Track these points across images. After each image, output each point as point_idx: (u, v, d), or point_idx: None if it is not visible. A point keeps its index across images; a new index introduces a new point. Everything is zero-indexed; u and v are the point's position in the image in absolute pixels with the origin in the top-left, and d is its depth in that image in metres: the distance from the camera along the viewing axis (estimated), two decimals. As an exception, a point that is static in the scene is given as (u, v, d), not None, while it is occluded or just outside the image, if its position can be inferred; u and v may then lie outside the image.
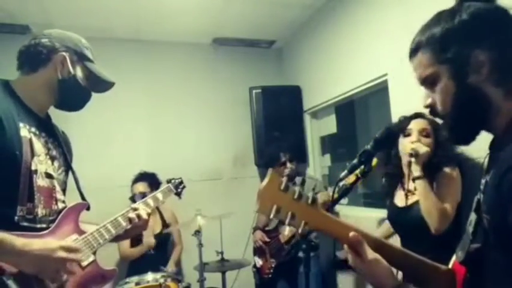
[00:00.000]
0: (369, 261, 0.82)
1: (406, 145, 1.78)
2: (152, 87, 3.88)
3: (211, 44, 4.10)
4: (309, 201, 0.82)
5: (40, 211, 1.26)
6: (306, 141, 3.89)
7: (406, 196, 1.85)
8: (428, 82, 0.84)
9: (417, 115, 1.89)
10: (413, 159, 1.72)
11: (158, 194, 1.76)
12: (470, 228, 0.83)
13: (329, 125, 3.66)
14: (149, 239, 3.07)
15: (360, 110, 3.43)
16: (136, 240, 3.15)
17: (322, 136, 3.84)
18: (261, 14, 3.48)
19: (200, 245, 2.70)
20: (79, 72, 1.38)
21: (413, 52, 0.87)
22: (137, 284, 2.43)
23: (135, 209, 1.55)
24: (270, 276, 3.00)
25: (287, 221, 0.81)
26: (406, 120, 1.89)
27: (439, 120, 1.78)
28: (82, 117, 3.26)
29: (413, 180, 1.75)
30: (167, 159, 3.71)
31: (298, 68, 3.96)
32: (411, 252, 0.86)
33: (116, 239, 1.53)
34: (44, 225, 1.27)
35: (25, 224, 1.20)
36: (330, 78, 3.32)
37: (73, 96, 1.41)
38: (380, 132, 1.60)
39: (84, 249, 1.30)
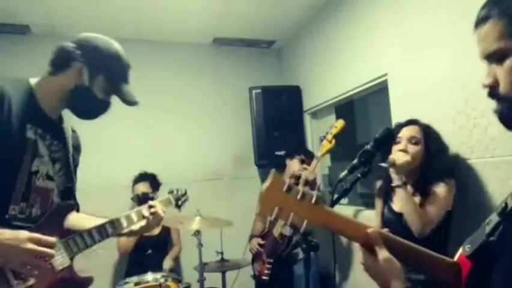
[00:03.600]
0: (383, 260, 0.79)
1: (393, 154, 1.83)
2: (153, 87, 3.87)
3: (211, 44, 4.11)
4: (313, 200, 0.80)
5: (35, 211, 1.27)
6: (306, 141, 3.89)
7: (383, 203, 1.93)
8: (495, 58, 0.73)
9: (410, 122, 1.91)
10: (391, 169, 1.76)
11: (157, 203, 1.70)
12: (487, 228, 0.82)
13: (329, 125, 3.64)
14: (169, 263, 3.06)
15: (360, 110, 3.43)
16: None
17: (322, 136, 3.84)
18: (261, 14, 3.48)
19: (200, 245, 2.70)
20: (97, 85, 1.35)
21: (480, 22, 0.75)
22: (137, 284, 2.43)
23: (151, 206, 1.57)
24: (268, 277, 2.97)
25: (289, 222, 0.80)
26: (399, 127, 1.92)
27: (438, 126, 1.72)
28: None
29: (393, 188, 1.80)
30: (168, 159, 3.72)
31: (298, 68, 3.96)
32: (415, 245, 0.85)
33: (129, 234, 1.55)
34: (35, 225, 1.26)
35: (17, 223, 1.20)
36: (330, 78, 3.33)
37: (84, 106, 1.39)
38: (380, 132, 1.60)
39: (62, 253, 1.26)
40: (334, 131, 2.35)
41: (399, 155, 1.77)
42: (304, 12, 3.49)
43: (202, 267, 2.70)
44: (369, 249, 0.82)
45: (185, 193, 2.04)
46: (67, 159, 1.43)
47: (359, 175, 1.54)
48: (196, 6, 3.24)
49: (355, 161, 1.55)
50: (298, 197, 0.80)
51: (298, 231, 0.84)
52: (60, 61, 1.33)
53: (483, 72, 0.80)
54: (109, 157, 3.54)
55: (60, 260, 1.26)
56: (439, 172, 1.77)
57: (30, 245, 1.10)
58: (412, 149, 1.80)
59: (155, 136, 3.79)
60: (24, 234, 1.12)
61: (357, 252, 0.86)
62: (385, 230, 0.87)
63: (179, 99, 3.95)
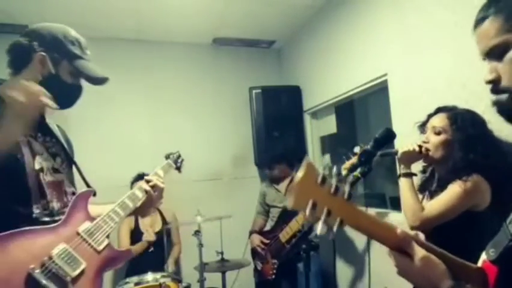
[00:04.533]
0: (421, 260, 0.74)
1: None
2: (153, 87, 3.88)
3: (211, 44, 4.11)
4: (346, 196, 0.75)
5: (55, 205, 1.32)
6: (306, 141, 3.89)
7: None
8: (495, 53, 0.75)
9: (439, 110, 1.76)
10: (396, 158, 1.73)
11: (159, 171, 1.76)
12: (510, 227, 0.76)
13: (329, 125, 3.66)
14: (149, 234, 3.08)
15: (360, 110, 3.43)
16: (136, 239, 3.16)
17: (322, 136, 3.84)
18: (261, 14, 3.48)
19: (200, 245, 2.70)
20: (63, 71, 1.34)
21: (479, 22, 0.77)
22: (137, 284, 2.43)
23: (148, 181, 1.61)
24: (273, 277, 3.01)
25: (323, 218, 0.74)
26: (428, 116, 1.79)
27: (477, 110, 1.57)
28: (82, 117, 3.28)
29: (398, 177, 1.75)
30: (168, 159, 3.71)
31: (298, 68, 3.96)
32: (440, 249, 0.80)
33: (135, 212, 1.59)
34: (62, 218, 1.32)
35: (44, 219, 1.27)
36: (330, 78, 3.33)
37: (59, 95, 1.34)
38: (380, 132, 1.60)
39: (98, 234, 1.35)
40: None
41: (404, 145, 1.72)
42: (304, 12, 3.49)
43: (202, 267, 2.70)
44: (401, 251, 0.76)
45: (180, 155, 2.10)
46: (65, 152, 1.46)
47: (358, 175, 1.54)
48: (196, 6, 3.24)
49: (355, 161, 1.56)
50: (332, 190, 0.74)
51: (331, 230, 0.77)
52: (20, 58, 1.32)
53: (483, 73, 0.80)
54: (108, 157, 3.54)
55: (100, 240, 1.34)
56: (457, 167, 1.57)
57: None
58: (434, 139, 1.67)
59: (155, 136, 3.79)
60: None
61: (386, 257, 0.80)
62: (414, 233, 0.82)
63: (179, 99, 3.95)
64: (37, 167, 1.28)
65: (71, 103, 1.44)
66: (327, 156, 3.78)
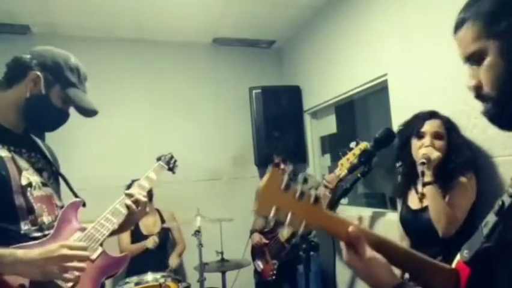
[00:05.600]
0: (367, 259, 0.77)
1: (419, 150, 1.76)
2: (153, 87, 3.88)
3: (211, 44, 4.11)
4: (311, 200, 0.77)
5: (46, 219, 1.29)
6: (306, 141, 3.89)
7: (420, 199, 1.83)
8: (474, 59, 0.75)
9: (432, 115, 1.84)
10: (424, 166, 1.70)
11: (151, 174, 1.72)
12: (485, 230, 0.78)
13: (329, 125, 3.66)
14: (151, 241, 3.06)
15: (360, 110, 3.43)
16: (137, 239, 3.15)
17: (322, 136, 3.84)
18: (261, 14, 3.48)
19: (200, 245, 2.70)
20: (54, 94, 1.32)
21: (458, 27, 0.79)
22: (137, 284, 2.44)
23: (131, 195, 1.52)
24: (273, 277, 3.00)
25: (287, 222, 0.76)
26: (420, 120, 1.84)
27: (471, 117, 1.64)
28: (81, 117, 3.29)
29: (423, 185, 1.73)
30: (167, 159, 3.71)
31: (298, 68, 3.96)
32: (413, 251, 0.82)
33: (120, 229, 1.51)
34: (52, 232, 1.29)
35: (34, 234, 1.23)
36: (330, 78, 3.33)
37: (42, 116, 1.34)
38: (380, 132, 1.60)
39: (90, 244, 1.31)
40: (357, 152, 2.18)
41: (429, 150, 1.72)
42: (304, 12, 3.49)
43: (202, 267, 2.70)
44: (353, 248, 0.79)
45: (172, 156, 2.01)
46: (51, 166, 1.43)
47: (358, 175, 1.54)
48: (196, 6, 3.24)
49: (355, 161, 1.56)
50: (297, 195, 0.76)
51: (297, 234, 0.79)
52: (16, 73, 1.31)
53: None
54: (108, 156, 3.54)
55: (92, 250, 1.31)
56: (460, 166, 1.71)
57: (62, 252, 1.13)
58: (438, 144, 1.75)
59: (155, 136, 3.79)
60: (53, 245, 1.15)
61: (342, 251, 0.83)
62: (368, 231, 0.83)
63: (179, 99, 3.95)
64: (24, 182, 1.24)
65: (55, 127, 1.41)
66: (327, 155, 3.77)
